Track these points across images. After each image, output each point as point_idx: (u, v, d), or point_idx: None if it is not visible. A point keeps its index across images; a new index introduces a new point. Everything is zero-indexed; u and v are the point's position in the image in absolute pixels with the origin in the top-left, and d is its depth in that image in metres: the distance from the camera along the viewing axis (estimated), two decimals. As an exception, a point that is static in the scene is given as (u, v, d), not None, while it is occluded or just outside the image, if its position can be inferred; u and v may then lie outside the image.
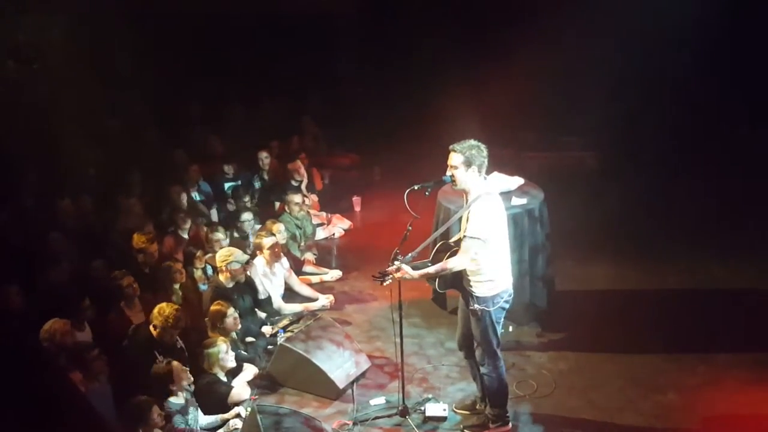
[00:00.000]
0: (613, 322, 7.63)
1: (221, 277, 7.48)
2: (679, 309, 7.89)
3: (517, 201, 7.32)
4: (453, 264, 5.65)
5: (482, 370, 6.02)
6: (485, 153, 5.65)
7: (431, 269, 5.74)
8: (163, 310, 6.47)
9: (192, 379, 6.14)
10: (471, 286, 5.76)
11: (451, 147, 5.68)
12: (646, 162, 10.91)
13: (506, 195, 7.22)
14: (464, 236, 5.63)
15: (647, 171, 10.79)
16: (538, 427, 6.27)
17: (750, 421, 6.19)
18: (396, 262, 5.70)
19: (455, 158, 5.63)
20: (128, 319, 6.98)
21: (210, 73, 11.90)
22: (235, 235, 8.84)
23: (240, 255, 7.54)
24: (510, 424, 6.17)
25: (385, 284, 5.77)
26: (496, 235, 5.68)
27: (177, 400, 5.94)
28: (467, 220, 5.67)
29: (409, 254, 5.76)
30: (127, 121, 10.70)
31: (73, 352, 6.03)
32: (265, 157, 10.41)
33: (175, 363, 5.96)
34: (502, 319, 5.97)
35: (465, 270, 5.69)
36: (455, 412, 6.47)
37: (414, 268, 5.75)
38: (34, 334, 6.03)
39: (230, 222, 9.26)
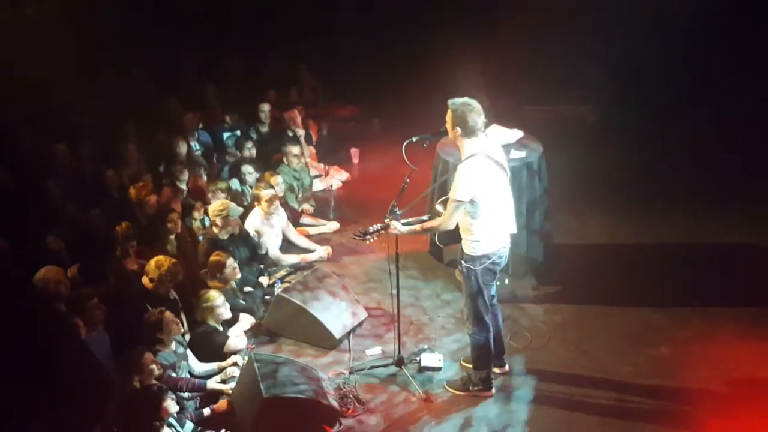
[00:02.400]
0: (609, 276, 7.68)
1: (215, 230, 7.49)
2: (674, 263, 7.94)
3: (516, 154, 7.29)
4: (436, 223, 5.64)
5: (468, 329, 6.05)
6: (475, 115, 5.45)
7: (418, 227, 5.76)
8: (160, 263, 6.48)
9: (184, 330, 6.16)
10: (463, 245, 5.76)
11: (448, 102, 5.57)
12: (645, 116, 10.88)
13: (505, 148, 7.19)
14: (449, 197, 5.59)
15: (646, 125, 10.77)
16: (531, 378, 6.34)
17: (742, 374, 6.25)
18: (386, 219, 5.71)
19: (448, 115, 5.54)
20: (127, 269, 6.99)
21: (209, 23, 11.77)
22: (234, 186, 8.83)
23: (233, 207, 7.55)
24: (492, 390, 6.16)
25: (367, 243, 5.79)
26: (486, 196, 5.53)
27: (167, 354, 5.97)
28: (454, 182, 5.57)
29: (398, 210, 5.75)
30: (124, 72, 10.60)
31: (72, 300, 6.05)
32: (266, 109, 10.31)
33: (167, 313, 5.98)
34: (494, 285, 5.94)
35: (459, 227, 5.67)
36: (461, 364, 6.50)
37: (408, 224, 5.76)
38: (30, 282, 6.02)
39: (231, 172, 9.25)
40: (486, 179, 5.54)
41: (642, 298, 7.33)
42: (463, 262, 5.78)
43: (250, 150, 9.53)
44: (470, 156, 5.52)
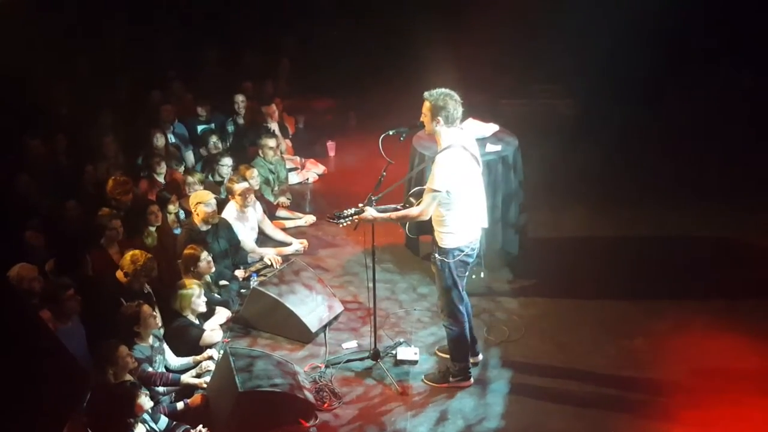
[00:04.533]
0: (584, 269, 7.73)
1: (195, 220, 7.45)
2: (649, 256, 8.00)
3: (492, 148, 7.31)
4: (413, 213, 5.62)
5: (443, 321, 6.07)
6: (454, 104, 5.50)
7: (393, 215, 5.75)
8: (136, 257, 6.43)
9: (160, 325, 6.13)
10: (434, 236, 5.77)
11: (424, 94, 5.60)
12: (621, 110, 10.94)
13: (481, 141, 7.20)
14: (426, 187, 5.58)
15: (621, 119, 10.83)
16: (507, 371, 6.36)
17: (715, 366, 6.31)
18: (360, 204, 5.70)
19: (425, 105, 5.55)
20: (110, 259, 6.92)
21: (185, 15, 11.70)
22: (210, 178, 8.78)
23: (212, 198, 7.51)
24: (471, 380, 6.20)
25: (341, 226, 5.77)
26: (461, 187, 5.56)
27: (143, 346, 5.93)
28: (430, 171, 5.59)
29: (372, 196, 5.74)
30: (99, 63, 10.51)
31: (47, 290, 5.99)
32: (241, 101, 10.27)
33: (144, 306, 5.95)
34: (465, 276, 5.94)
35: (432, 219, 5.68)
36: (437, 354, 6.52)
37: (382, 211, 5.76)
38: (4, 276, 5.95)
39: (206, 165, 9.19)
40: (462, 171, 5.57)
41: (617, 290, 7.37)
42: (436, 255, 5.78)
43: (216, 144, 9.43)
44: (447, 147, 5.53)
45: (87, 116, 9.19)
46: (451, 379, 6.18)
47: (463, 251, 5.73)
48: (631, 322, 6.96)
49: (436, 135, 5.63)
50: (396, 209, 5.83)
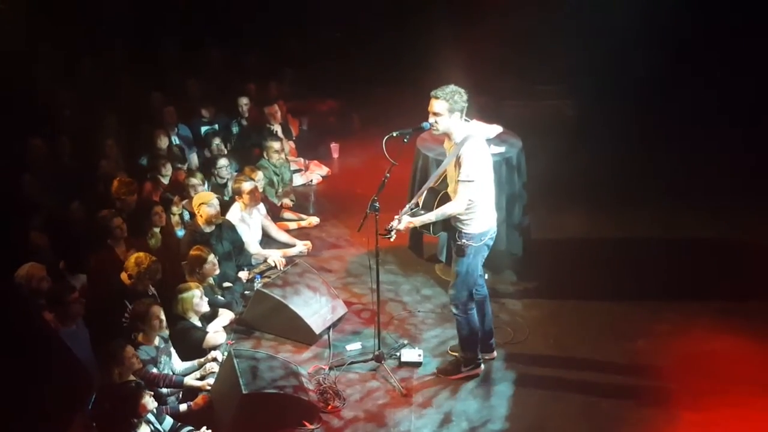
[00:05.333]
0: (587, 270, 7.74)
1: (199, 222, 7.47)
2: (650, 258, 8.00)
3: (495, 149, 7.30)
4: (451, 209, 5.70)
5: (453, 311, 6.11)
6: (465, 98, 5.65)
7: (431, 215, 5.78)
8: (140, 260, 6.43)
9: (165, 325, 6.14)
10: (461, 224, 5.81)
11: (432, 93, 5.65)
12: (623, 111, 10.93)
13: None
14: (458, 180, 5.64)
15: (624, 120, 10.83)
16: (511, 373, 6.36)
17: (717, 368, 6.31)
18: (396, 217, 5.76)
19: (438, 105, 5.60)
20: (118, 258, 6.92)
21: (188, 16, 11.71)
22: (213, 181, 8.80)
23: (214, 199, 7.52)
24: (482, 367, 6.29)
25: (392, 239, 5.82)
26: (484, 175, 5.74)
27: (148, 348, 5.93)
28: (458, 165, 5.65)
29: (407, 206, 5.85)
30: (102, 64, 10.53)
31: (51, 293, 6.02)
32: (245, 103, 10.30)
33: (155, 306, 5.96)
34: (482, 262, 6.03)
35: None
36: (450, 353, 6.54)
37: (412, 216, 5.83)
38: (9, 277, 5.98)
39: (208, 167, 9.21)
40: (485, 158, 5.75)
41: (620, 292, 7.37)
42: (463, 240, 5.82)
43: (218, 146, 9.46)
44: (466, 138, 5.64)
45: (91, 118, 9.20)
46: (462, 369, 6.25)
47: (487, 234, 5.88)
48: (634, 323, 6.96)
49: (450, 131, 5.70)
50: (412, 209, 5.88)
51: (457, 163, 5.66)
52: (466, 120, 5.76)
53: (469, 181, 5.61)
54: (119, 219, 7.03)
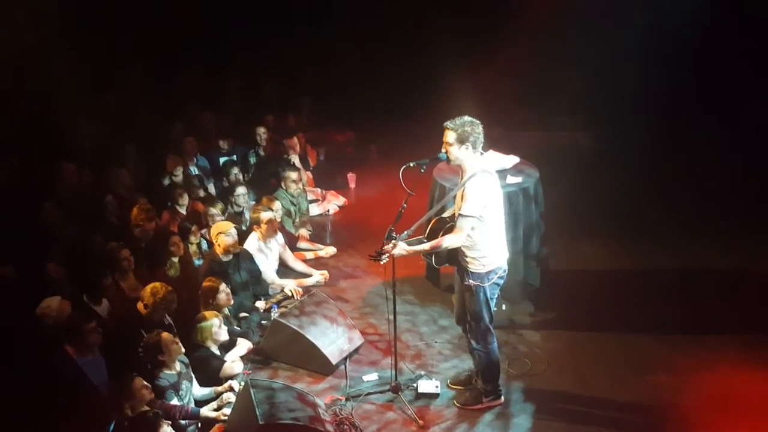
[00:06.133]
0: (606, 302, 7.67)
1: (217, 251, 7.49)
2: (671, 290, 7.91)
3: (512, 179, 7.32)
4: (448, 242, 5.68)
5: (474, 345, 6.09)
6: (480, 129, 5.65)
7: (426, 245, 5.77)
8: (156, 290, 6.45)
9: (183, 350, 6.14)
10: (466, 262, 5.80)
11: (445, 124, 5.69)
12: (639, 141, 10.92)
13: (501, 173, 7.22)
14: (459, 214, 5.65)
15: (640, 150, 10.80)
16: (530, 405, 6.30)
17: (740, 403, 6.20)
18: (392, 240, 5.73)
19: (449, 135, 5.63)
20: (123, 292, 6.96)
21: (208, 48, 11.86)
22: (231, 209, 8.83)
23: (232, 228, 7.55)
24: (502, 398, 6.27)
25: (382, 263, 5.78)
26: (491, 212, 5.71)
27: (169, 374, 5.95)
28: (462, 198, 5.67)
29: (405, 232, 5.79)
30: (123, 96, 10.65)
31: (69, 322, 6.02)
32: (263, 133, 10.37)
33: (164, 334, 5.97)
34: (497, 296, 6.02)
35: (461, 246, 5.72)
36: (450, 387, 6.51)
37: (409, 244, 5.78)
38: (30, 308, 5.99)
39: (226, 197, 9.25)
40: (492, 195, 5.70)
41: (640, 324, 7.30)
42: (470, 280, 5.80)
43: (236, 175, 9.51)
44: (475, 173, 5.64)
45: (111, 150, 9.28)
46: (484, 399, 6.23)
47: (496, 273, 5.83)
48: (656, 357, 6.87)
49: (461, 162, 5.70)
50: (422, 241, 5.85)
51: (462, 197, 5.67)
52: (481, 152, 5.76)
53: (469, 216, 5.59)
54: (127, 251, 7.07)
